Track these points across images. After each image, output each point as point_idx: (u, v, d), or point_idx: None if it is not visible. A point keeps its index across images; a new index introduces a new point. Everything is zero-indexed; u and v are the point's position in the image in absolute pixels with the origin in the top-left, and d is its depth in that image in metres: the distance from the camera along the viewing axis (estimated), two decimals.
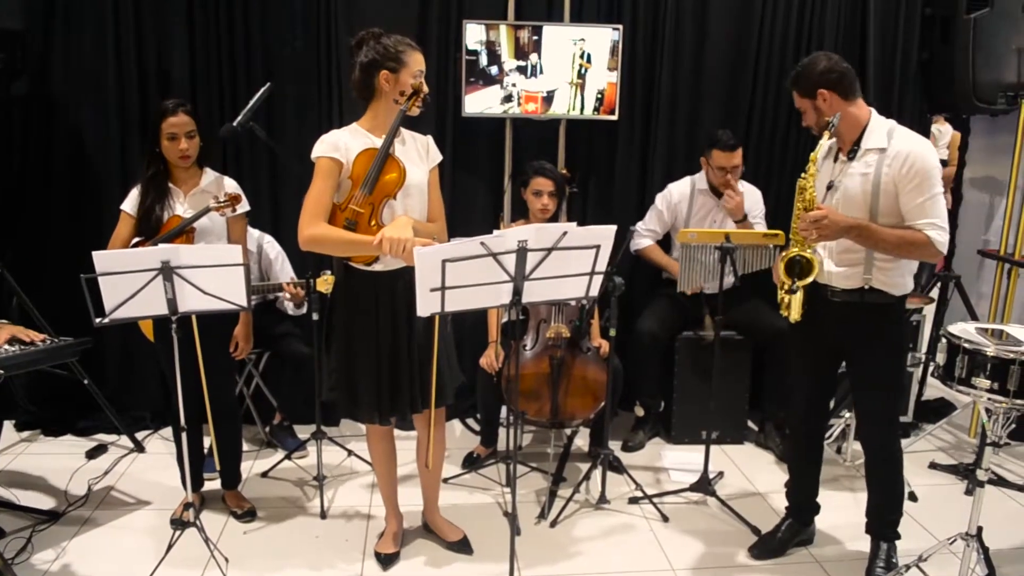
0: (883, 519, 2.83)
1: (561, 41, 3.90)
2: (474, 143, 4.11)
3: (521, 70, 3.90)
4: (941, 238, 2.46)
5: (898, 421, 2.83)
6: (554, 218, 3.61)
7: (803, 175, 2.58)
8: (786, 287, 2.62)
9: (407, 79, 2.52)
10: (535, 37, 3.88)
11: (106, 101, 3.83)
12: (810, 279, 2.58)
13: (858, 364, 2.75)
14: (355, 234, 2.50)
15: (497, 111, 3.96)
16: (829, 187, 2.62)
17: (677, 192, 3.95)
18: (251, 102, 3.05)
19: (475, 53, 3.86)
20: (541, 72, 3.92)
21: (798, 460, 3.02)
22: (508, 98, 3.93)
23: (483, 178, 4.19)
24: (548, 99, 3.96)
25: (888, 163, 2.50)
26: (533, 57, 3.88)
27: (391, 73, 2.53)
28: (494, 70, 3.89)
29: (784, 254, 2.63)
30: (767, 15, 4.07)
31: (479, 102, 3.93)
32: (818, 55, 2.65)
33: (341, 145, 2.56)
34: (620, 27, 3.91)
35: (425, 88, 2.53)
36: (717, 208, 3.87)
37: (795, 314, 2.65)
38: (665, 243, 4.08)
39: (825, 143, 2.57)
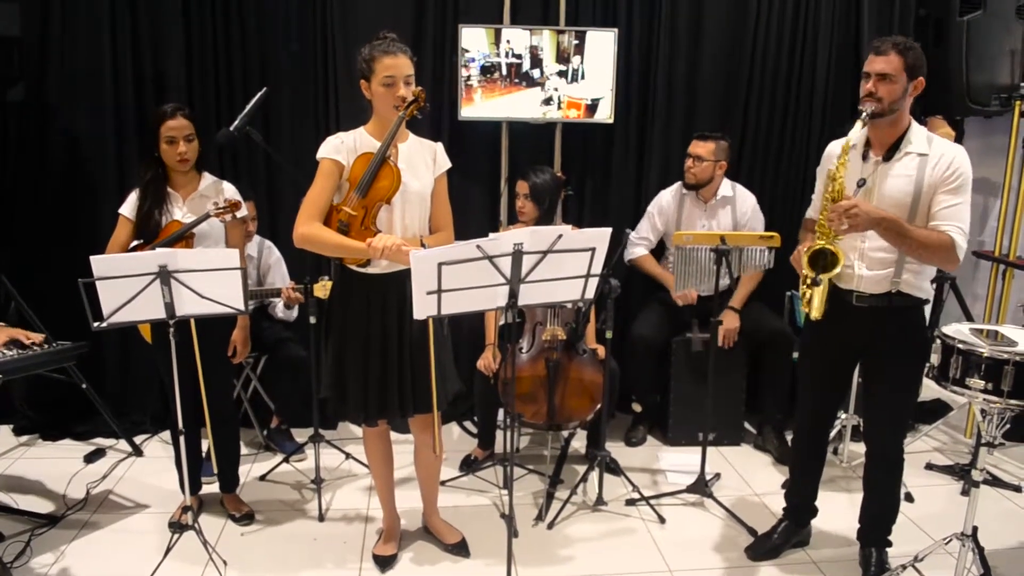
0: (877, 528, 2.84)
1: (606, 46, 3.92)
2: (470, 147, 4.11)
3: (562, 74, 3.93)
4: (963, 244, 2.44)
5: (907, 425, 2.79)
6: (544, 221, 3.59)
7: (833, 161, 2.50)
8: (808, 280, 2.54)
9: (376, 85, 2.53)
10: (576, 41, 3.90)
11: (102, 106, 3.83)
12: (835, 272, 2.49)
13: (877, 367, 2.70)
14: (345, 238, 2.52)
15: (537, 114, 3.99)
16: (860, 184, 2.53)
17: (666, 198, 3.98)
18: (247, 107, 3.07)
19: (520, 56, 3.90)
20: (583, 77, 3.94)
21: (801, 463, 3.01)
22: (548, 100, 3.96)
23: (479, 181, 4.20)
24: (592, 107, 3.98)
25: (932, 166, 2.47)
26: (575, 60, 3.91)
27: (366, 81, 2.57)
28: (536, 73, 3.92)
29: (809, 246, 2.55)
30: (762, 17, 4.08)
31: (521, 104, 3.97)
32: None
33: (344, 147, 2.58)
34: (615, 30, 3.92)
35: (421, 99, 2.51)
36: (704, 212, 3.90)
37: (816, 311, 2.56)
38: (660, 251, 4.10)
39: (855, 134, 2.47)
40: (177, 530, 2.96)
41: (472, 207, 4.18)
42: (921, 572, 2.70)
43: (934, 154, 2.49)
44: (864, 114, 2.47)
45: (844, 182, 2.49)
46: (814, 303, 2.56)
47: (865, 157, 2.60)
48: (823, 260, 2.52)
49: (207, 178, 3.05)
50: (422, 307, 2.21)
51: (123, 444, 3.85)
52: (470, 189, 4.16)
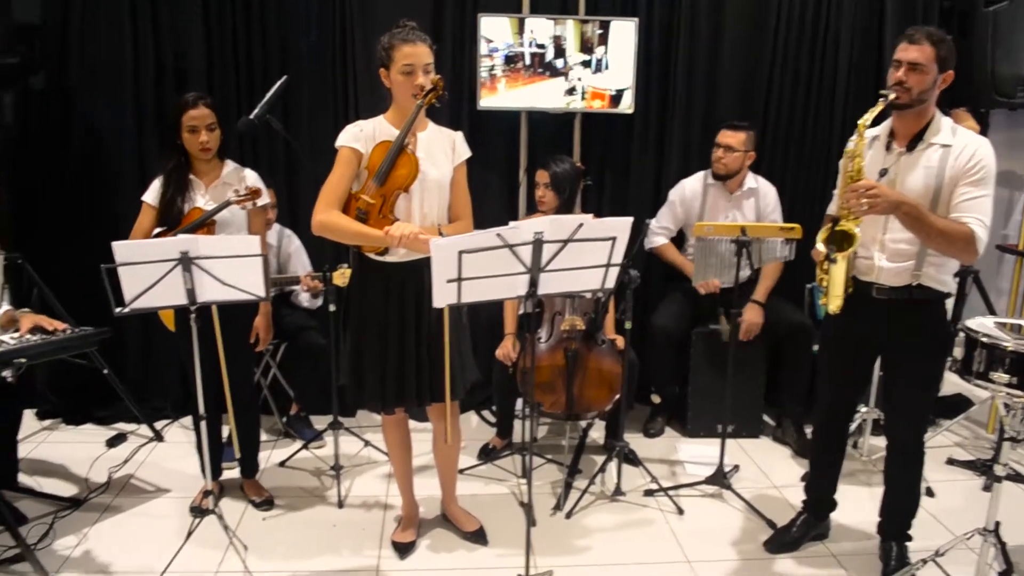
0: (897, 522, 2.82)
1: (628, 36, 3.89)
2: (490, 136, 4.10)
3: (586, 64, 3.91)
4: (984, 237, 2.40)
5: (928, 419, 2.76)
6: (564, 211, 3.58)
7: (852, 140, 2.47)
8: (824, 265, 2.51)
9: (395, 73, 2.53)
10: (600, 31, 3.88)
11: (123, 94, 3.86)
12: (850, 251, 2.46)
13: (898, 361, 2.67)
14: (363, 225, 2.52)
15: (560, 104, 3.98)
16: (882, 174, 2.51)
17: (689, 187, 3.95)
18: (267, 95, 3.08)
19: (543, 46, 3.89)
20: (607, 68, 3.92)
21: (820, 456, 3.00)
22: (571, 91, 3.95)
23: (498, 171, 4.20)
24: (616, 98, 3.96)
25: (955, 157, 2.44)
26: (599, 51, 3.89)
27: (385, 69, 2.57)
28: (560, 63, 3.91)
29: (827, 227, 2.52)
30: (783, 7, 4.05)
31: (544, 94, 3.94)
32: None
33: (363, 136, 2.59)
34: (635, 20, 3.90)
35: (440, 87, 2.51)
36: (729, 203, 3.87)
37: (834, 302, 2.53)
38: (679, 240, 4.08)
39: (872, 115, 2.44)
40: (198, 514, 2.99)
41: (491, 196, 4.17)
42: (942, 567, 2.68)
43: (957, 145, 2.46)
44: (885, 97, 2.43)
45: (862, 161, 2.48)
46: (831, 289, 2.53)
47: (888, 148, 2.58)
48: (837, 240, 2.50)
49: (229, 165, 3.07)
50: (442, 295, 2.22)
51: (144, 429, 3.89)
52: (489, 178, 4.16)
